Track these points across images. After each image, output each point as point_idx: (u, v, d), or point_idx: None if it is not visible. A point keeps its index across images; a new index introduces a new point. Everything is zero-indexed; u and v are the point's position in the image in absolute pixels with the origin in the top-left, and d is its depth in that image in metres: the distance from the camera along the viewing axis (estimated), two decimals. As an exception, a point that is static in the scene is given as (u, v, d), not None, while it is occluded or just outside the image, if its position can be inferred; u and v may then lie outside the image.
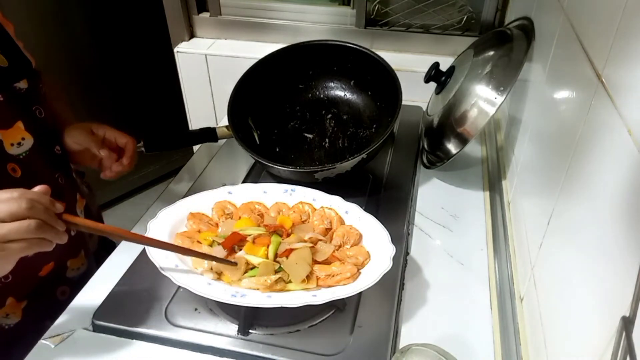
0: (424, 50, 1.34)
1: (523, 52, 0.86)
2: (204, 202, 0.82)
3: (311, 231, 0.76)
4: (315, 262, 0.71)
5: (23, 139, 0.73)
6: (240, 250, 0.72)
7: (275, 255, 0.71)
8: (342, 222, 0.79)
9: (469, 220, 0.90)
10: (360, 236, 0.76)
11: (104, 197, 2.12)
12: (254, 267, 0.69)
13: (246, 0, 1.40)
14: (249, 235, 0.73)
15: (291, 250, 0.71)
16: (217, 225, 0.79)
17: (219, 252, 0.71)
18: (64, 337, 0.67)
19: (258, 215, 0.81)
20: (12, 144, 0.71)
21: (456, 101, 0.93)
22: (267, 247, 0.71)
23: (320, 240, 0.75)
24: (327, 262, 0.71)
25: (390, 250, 0.69)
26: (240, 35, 1.45)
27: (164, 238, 0.72)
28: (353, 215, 0.79)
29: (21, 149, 0.72)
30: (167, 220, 0.77)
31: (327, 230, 0.78)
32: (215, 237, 0.74)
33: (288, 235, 0.75)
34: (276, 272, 0.68)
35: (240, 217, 0.80)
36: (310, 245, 0.72)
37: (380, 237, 0.73)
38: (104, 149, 0.82)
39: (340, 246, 0.74)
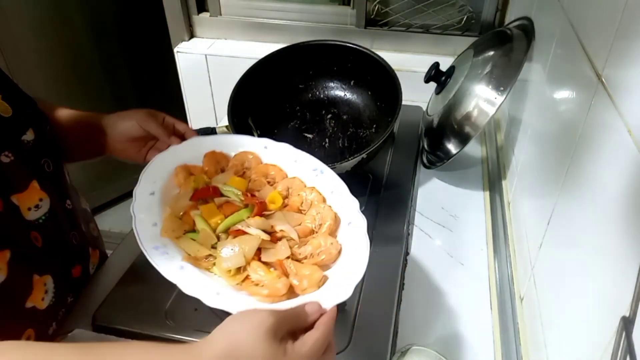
0: (424, 50, 1.34)
1: (523, 52, 0.86)
2: (235, 145, 0.76)
3: (294, 224, 0.65)
4: (258, 258, 0.60)
5: (41, 199, 0.64)
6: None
7: (226, 230, 0.63)
8: (332, 231, 0.65)
9: (469, 220, 0.90)
10: (338, 256, 0.62)
11: (103, 197, 2.12)
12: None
13: (246, 0, 1.40)
14: (225, 197, 0.66)
15: (242, 232, 0.62)
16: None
17: (186, 199, 0.66)
18: (64, 337, 0.67)
19: (268, 181, 0.73)
20: (29, 208, 0.62)
21: (456, 101, 0.93)
22: (226, 218, 0.64)
23: (291, 240, 0.63)
24: (269, 265, 0.60)
25: (347, 294, 0.53)
26: (240, 35, 1.44)
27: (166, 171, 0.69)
28: (354, 230, 0.63)
29: (39, 212, 0.63)
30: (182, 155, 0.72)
31: (311, 233, 0.65)
32: (203, 183, 0.68)
33: (259, 214, 0.64)
34: (212, 247, 0.61)
35: (250, 178, 0.72)
36: (267, 238, 0.61)
37: (354, 272, 0.56)
38: (174, 137, 0.75)
39: (305, 257, 0.62)
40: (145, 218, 0.62)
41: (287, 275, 0.59)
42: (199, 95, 1.49)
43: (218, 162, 0.74)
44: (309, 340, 0.47)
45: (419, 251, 0.83)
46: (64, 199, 0.71)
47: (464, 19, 1.31)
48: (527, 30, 0.91)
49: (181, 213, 0.65)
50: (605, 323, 0.41)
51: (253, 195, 0.67)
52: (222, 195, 0.67)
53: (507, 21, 1.24)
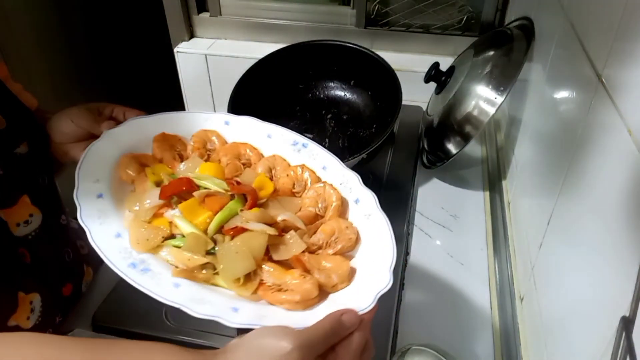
0: (424, 50, 1.34)
1: (523, 52, 0.86)
2: (188, 125, 0.63)
3: (294, 211, 0.55)
4: (269, 258, 0.50)
5: (31, 215, 0.61)
6: (176, 207, 0.52)
7: (220, 230, 0.51)
8: (341, 213, 0.56)
9: (469, 220, 0.90)
10: (357, 242, 0.53)
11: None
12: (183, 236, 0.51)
13: (246, 0, 1.40)
14: (203, 188, 0.53)
15: (242, 230, 0.50)
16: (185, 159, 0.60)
17: (154, 197, 0.53)
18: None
19: (243, 163, 0.61)
20: (18, 224, 0.60)
21: (456, 101, 0.93)
22: (214, 215, 0.51)
23: (298, 229, 0.52)
24: (286, 265, 0.50)
25: (385, 282, 0.46)
26: (240, 35, 1.44)
27: (112, 153, 0.57)
28: (364, 207, 0.55)
29: (29, 228, 0.61)
30: (125, 137, 0.59)
31: (316, 218, 0.56)
32: (168, 175, 0.56)
33: (254, 205, 0.53)
34: (208, 253, 0.49)
35: (220, 160, 0.61)
36: (274, 233, 0.50)
37: (382, 255, 0.49)
38: (108, 122, 0.63)
39: (320, 247, 0.52)
40: (101, 230, 0.49)
41: (309, 272, 0.48)
42: (199, 95, 1.49)
43: (172, 146, 0.62)
44: (346, 356, 0.41)
45: (419, 251, 0.83)
46: (58, 214, 0.69)
47: (464, 19, 1.31)
48: (527, 30, 0.91)
49: (149, 217, 0.52)
50: (605, 323, 0.41)
51: (238, 183, 0.55)
52: (198, 187, 0.54)
53: (507, 21, 1.24)
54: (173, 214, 0.52)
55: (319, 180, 0.58)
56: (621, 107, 0.44)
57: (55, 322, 0.66)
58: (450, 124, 0.94)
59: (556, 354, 0.54)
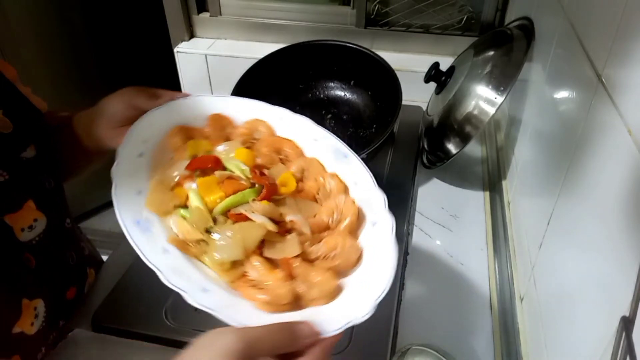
0: (424, 50, 1.34)
1: (523, 52, 0.86)
2: (246, 112, 0.64)
3: (308, 215, 0.54)
4: (260, 253, 0.49)
5: (35, 220, 0.61)
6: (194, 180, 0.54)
7: (226, 212, 0.51)
8: (352, 231, 0.54)
9: (469, 220, 0.90)
10: (357, 263, 0.51)
11: (104, 197, 2.12)
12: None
13: (246, 0, 1.40)
14: (228, 170, 0.55)
15: (244, 218, 0.50)
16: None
17: (181, 167, 0.55)
18: (64, 337, 0.67)
19: (281, 159, 0.61)
20: (22, 229, 0.59)
21: (456, 101, 0.93)
22: (226, 197, 0.52)
23: (302, 234, 0.51)
24: (275, 265, 0.49)
25: (364, 313, 0.43)
26: (240, 35, 1.44)
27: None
28: (378, 232, 0.53)
29: (33, 233, 0.61)
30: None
31: (327, 228, 0.54)
32: (205, 151, 0.58)
33: (267, 198, 0.52)
34: (207, 231, 0.50)
35: (260, 149, 0.61)
36: (274, 229, 0.49)
37: (375, 285, 0.46)
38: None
39: (317, 258, 0.50)
40: (128, 184, 0.51)
41: (293, 278, 0.48)
42: (199, 95, 1.49)
43: (224, 127, 0.63)
44: None
45: (419, 251, 0.83)
46: (63, 218, 0.69)
47: (464, 19, 1.31)
48: (527, 30, 0.91)
49: (172, 183, 0.54)
50: (605, 323, 0.41)
51: (262, 174, 0.55)
52: (224, 168, 0.55)
53: (507, 21, 1.24)
54: (190, 186, 0.53)
55: (344, 192, 0.57)
56: (621, 107, 0.44)
57: (59, 325, 0.66)
58: (450, 124, 0.94)
59: (556, 354, 0.54)
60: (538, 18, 0.90)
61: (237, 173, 0.54)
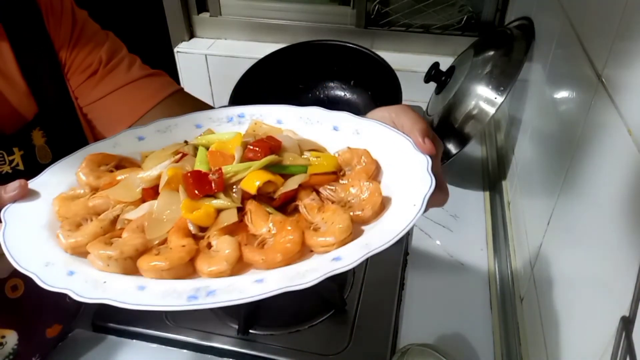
0: (424, 50, 1.34)
1: (523, 52, 0.86)
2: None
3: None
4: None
5: None
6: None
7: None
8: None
9: (469, 220, 0.90)
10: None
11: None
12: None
13: (246, 0, 1.40)
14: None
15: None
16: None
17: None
18: (65, 338, 0.67)
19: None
20: None
21: (456, 101, 0.93)
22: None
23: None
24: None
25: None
26: (240, 35, 1.44)
27: None
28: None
29: None
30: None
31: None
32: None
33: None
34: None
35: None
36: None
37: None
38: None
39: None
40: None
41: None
42: (198, 95, 1.47)
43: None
44: None
45: (419, 251, 0.83)
46: None
47: (464, 19, 1.31)
48: (527, 30, 0.91)
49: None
50: (605, 323, 0.41)
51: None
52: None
53: (507, 21, 1.24)
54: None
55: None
56: (621, 107, 0.44)
57: None
58: (450, 124, 0.94)
59: (556, 354, 0.54)
60: (538, 18, 0.90)
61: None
